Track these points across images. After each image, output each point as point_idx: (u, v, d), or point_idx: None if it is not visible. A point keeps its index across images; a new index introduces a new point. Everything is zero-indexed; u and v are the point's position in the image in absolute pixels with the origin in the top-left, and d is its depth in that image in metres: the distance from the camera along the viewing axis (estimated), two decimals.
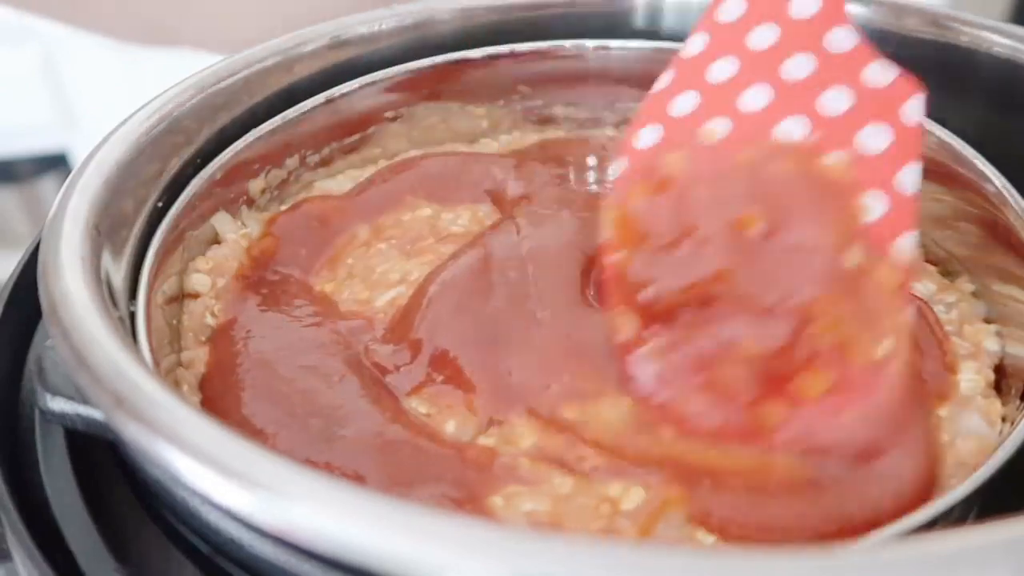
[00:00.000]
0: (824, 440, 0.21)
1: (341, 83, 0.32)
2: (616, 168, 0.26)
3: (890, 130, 0.23)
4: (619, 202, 0.25)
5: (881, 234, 0.22)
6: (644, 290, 0.23)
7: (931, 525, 0.18)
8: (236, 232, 0.29)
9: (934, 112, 0.30)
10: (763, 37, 0.25)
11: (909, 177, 0.22)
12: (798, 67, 0.24)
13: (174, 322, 0.26)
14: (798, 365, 0.21)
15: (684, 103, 0.25)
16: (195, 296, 0.27)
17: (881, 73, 0.24)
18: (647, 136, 0.26)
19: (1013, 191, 0.27)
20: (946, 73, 0.32)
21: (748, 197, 0.23)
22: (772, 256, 0.22)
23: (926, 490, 0.21)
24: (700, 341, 0.22)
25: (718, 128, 0.25)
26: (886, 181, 0.22)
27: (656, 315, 0.23)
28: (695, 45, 0.26)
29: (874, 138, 0.23)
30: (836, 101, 0.24)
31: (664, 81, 0.26)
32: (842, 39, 0.24)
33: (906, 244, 0.22)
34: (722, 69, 0.25)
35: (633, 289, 0.23)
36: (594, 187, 0.32)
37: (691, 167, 0.24)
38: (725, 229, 0.23)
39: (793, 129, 0.24)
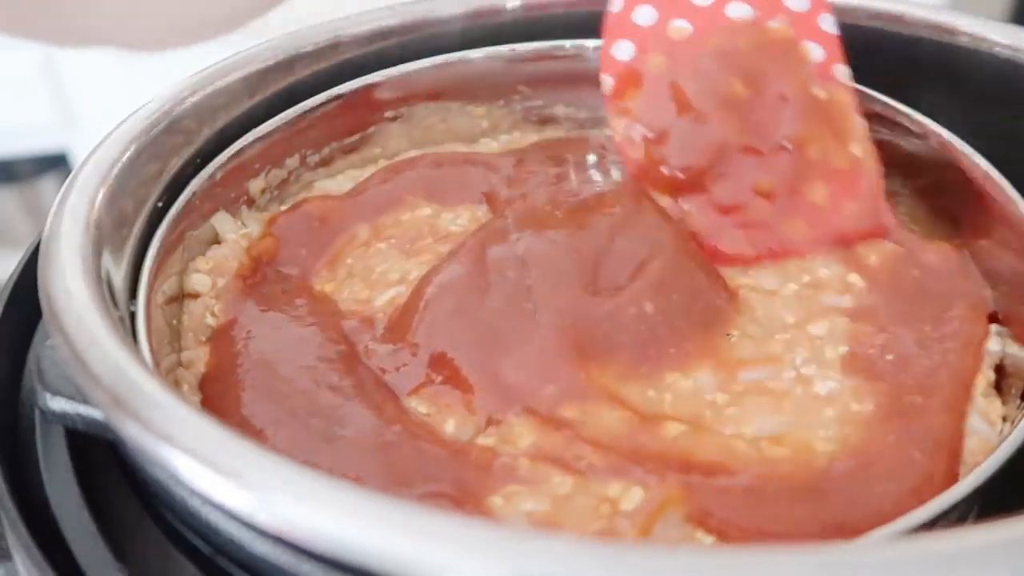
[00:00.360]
0: (838, 231, 0.28)
1: (341, 83, 0.32)
2: (605, 84, 0.30)
3: None
4: (617, 110, 0.30)
5: (824, 69, 0.29)
6: (665, 167, 0.29)
7: (931, 524, 0.18)
8: (236, 232, 0.29)
9: (935, 112, 0.30)
10: None
11: (828, 22, 0.29)
12: None
13: (174, 322, 0.26)
14: (802, 184, 0.28)
15: (645, 14, 0.30)
16: (195, 296, 0.27)
17: None
18: (623, 49, 0.30)
19: (1013, 191, 0.27)
20: (946, 74, 0.32)
21: (726, 72, 0.29)
22: (761, 110, 0.28)
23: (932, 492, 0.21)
24: (727, 192, 0.28)
25: (682, 24, 0.29)
26: (814, 30, 0.29)
27: (682, 185, 0.29)
28: None
29: (797, 1, 0.29)
30: None
31: (618, 1, 0.30)
32: None
33: (842, 71, 0.29)
34: None
35: (654, 169, 0.29)
36: (595, 186, 0.32)
37: (672, 63, 0.29)
38: (717, 102, 0.28)
39: (739, 11, 0.29)
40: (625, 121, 0.29)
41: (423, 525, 0.15)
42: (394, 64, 0.33)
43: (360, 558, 0.15)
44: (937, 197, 0.30)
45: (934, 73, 0.33)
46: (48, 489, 0.21)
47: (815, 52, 0.29)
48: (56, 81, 0.84)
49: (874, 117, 0.31)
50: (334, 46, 0.32)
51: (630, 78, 0.29)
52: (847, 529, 0.20)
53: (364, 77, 0.32)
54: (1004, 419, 0.24)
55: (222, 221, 0.28)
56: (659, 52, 0.29)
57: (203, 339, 0.26)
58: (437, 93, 0.34)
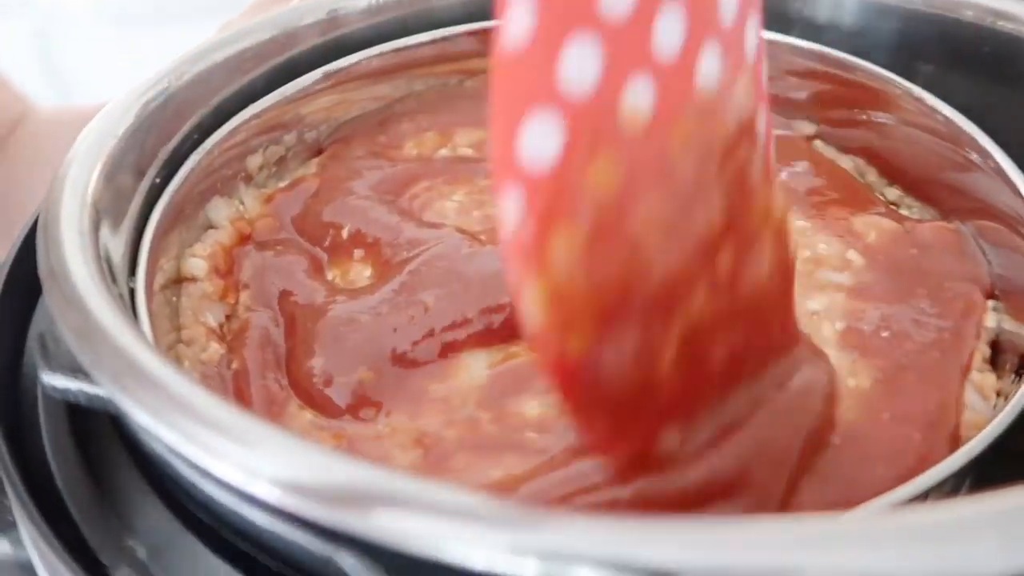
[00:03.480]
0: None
1: (340, 57, 0.32)
2: (507, 208, 0.15)
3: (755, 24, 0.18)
4: (538, 266, 0.15)
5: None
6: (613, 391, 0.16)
7: (923, 497, 0.19)
8: (231, 218, 0.29)
9: (938, 88, 0.30)
10: None
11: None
12: None
13: (173, 299, 0.26)
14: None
15: (580, 62, 0.15)
16: (192, 280, 0.27)
17: None
18: (539, 138, 0.15)
19: (1015, 167, 0.27)
20: (950, 49, 0.32)
21: (705, 194, 0.17)
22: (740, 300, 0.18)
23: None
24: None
25: (641, 97, 0.16)
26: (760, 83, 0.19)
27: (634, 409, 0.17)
28: None
29: (752, 38, 0.18)
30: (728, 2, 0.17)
31: (521, 25, 0.14)
32: None
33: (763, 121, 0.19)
34: None
35: (601, 390, 0.16)
36: None
37: (626, 172, 0.16)
38: (699, 257, 0.17)
39: (711, 67, 0.17)
40: (544, 289, 0.15)
41: (421, 495, 0.15)
42: (393, 39, 0.32)
43: (363, 530, 0.15)
44: (935, 173, 0.30)
45: (938, 49, 0.32)
46: (52, 463, 0.22)
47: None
48: (49, 55, 0.83)
49: (871, 92, 0.31)
50: (332, 20, 0.32)
51: (557, 201, 0.15)
52: (842, 506, 0.20)
53: (363, 52, 0.32)
54: (998, 394, 0.24)
55: (217, 208, 0.28)
56: (607, 148, 0.16)
57: (201, 319, 0.26)
58: (436, 68, 0.33)
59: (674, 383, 0.17)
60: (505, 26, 0.14)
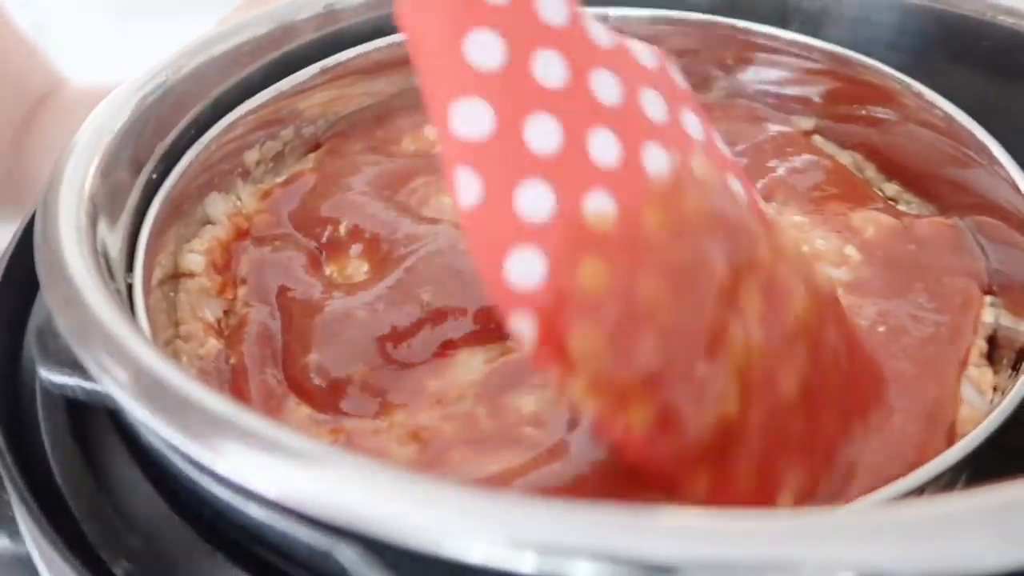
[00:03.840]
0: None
1: (338, 52, 0.31)
2: (521, 332, 0.17)
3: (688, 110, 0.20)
4: (567, 368, 0.17)
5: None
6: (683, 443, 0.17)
7: (920, 491, 0.19)
8: (228, 213, 0.29)
9: (937, 83, 0.30)
10: (549, 68, 0.18)
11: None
12: (605, 86, 0.18)
13: (171, 294, 0.26)
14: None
15: (535, 200, 0.17)
16: (190, 276, 0.27)
17: (647, 54, 0.20)
18: (525, 269, 0.17)
19: (1013, 163, 0.27)
20: (949, 44, 0.32)
21: (698, 254, 0.18)
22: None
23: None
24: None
25: (600, 204, 0.18)
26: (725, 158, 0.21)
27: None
28: (481, 121, 0.17)
29: (693, 124, 0.20)
30: (655, 104, 0.19)
31: (472, 190, 0.17)
32: (601, 34, 0.19)
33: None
34: (542, 130, 0.17)
35: (684, 445, 0.17)
36: None
37: (612, 265, 0.17)
38: (720, 304, 0.18)
39: (657, 160, 0.18)
40: (583, 384, 0.17)
41: (418, 491, 0.15)
42: (391, 33, 0.32)
43: (362, 524, 0.15)
44: (934, 169, 0.30)
45: (936, 44, 0.32)
46: (51, 458, 0.22)
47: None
48: (46, 48, 0.83)
49: (870, 87, 0.31)
50: (330, 14, 0.32)
51: (559, 311, 0.17)
52: (839, 499, 0.20)
53: (360, 47, 0.32)
54: (995, 389, 0.24)
55: (214, 203, 0.28)
56: (592, 253, 0.17)
57: (200, 314, 0.26)
58: None
59: (755, 417, 0.18)
60: (458, 193, 0.17)
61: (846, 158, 0.32)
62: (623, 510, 0.14)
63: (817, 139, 0.33)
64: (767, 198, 0.29)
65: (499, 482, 0.20)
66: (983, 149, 0.28)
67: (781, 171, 0.31)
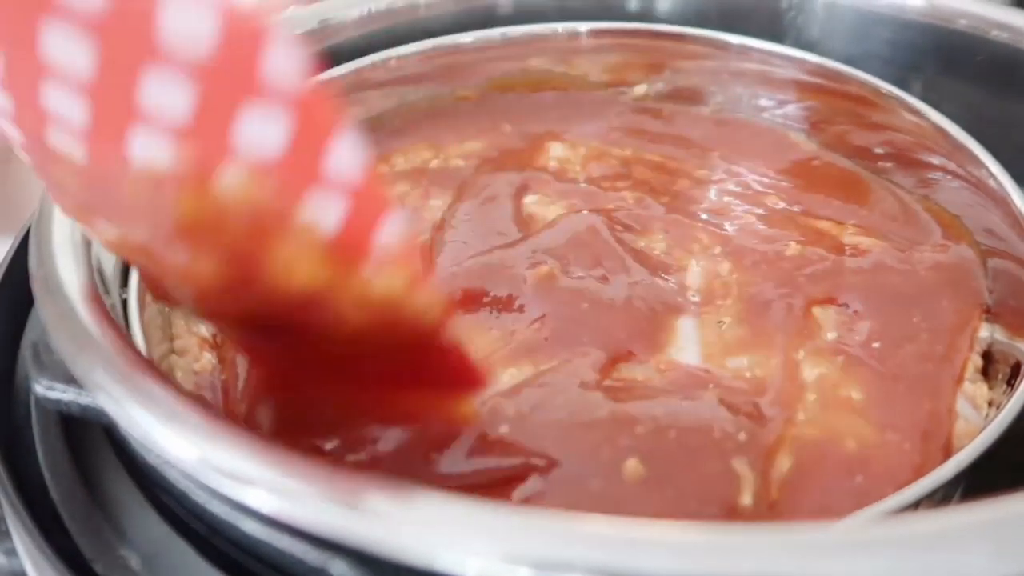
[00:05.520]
0: None
1: (330, 67, 0.32)
2: None
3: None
4: None
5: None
6: None
7: (915, 506, 0.19)
8: None
9: (933, 98, 0.30)
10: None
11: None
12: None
13: (166, 309, 0.26)
14: None
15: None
16: None
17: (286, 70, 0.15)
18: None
19: (1008, 178, 0.27)
20: (945, 59, 0.32)
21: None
22: None
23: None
24: None
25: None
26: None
27: None
28: None
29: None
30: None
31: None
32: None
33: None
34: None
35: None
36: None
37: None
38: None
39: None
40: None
41: (413, 506, 0.15)
42: (383, 49, 0.32)
43: (355, 539, 0.15)
44: (931, 187, 0.30)
45: (931, 58, 0.32)
46: (46, 473, 0.22)
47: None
48: None
49: (867, 102, 0.31)
50: (324, 30, 0.32)
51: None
52: (834, 515, 0.20)
53: (353, 62, 0.32)
54: (990, 403, 0.24)
55: None
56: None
57: (194, 329, 0.26)
58: (426, 78, 0.33)
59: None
60: None
61: (840, 172, 0.32)
62: (619, 525, 0.14)
63: (814, 153, 0.33)
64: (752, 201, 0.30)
65: None
66: (978, 164, 0.28)
67: (778, 188, 0.31)
